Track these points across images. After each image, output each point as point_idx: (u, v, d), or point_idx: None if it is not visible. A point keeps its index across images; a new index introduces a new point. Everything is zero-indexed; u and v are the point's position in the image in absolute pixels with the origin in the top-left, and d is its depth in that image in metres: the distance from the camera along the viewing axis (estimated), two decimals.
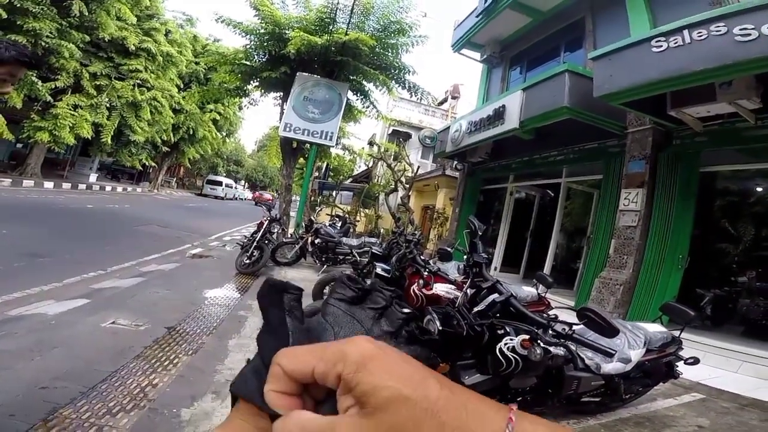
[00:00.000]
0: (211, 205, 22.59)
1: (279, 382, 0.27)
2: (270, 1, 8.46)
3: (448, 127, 9.21)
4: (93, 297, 4.03)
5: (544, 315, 2.02)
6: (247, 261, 6.22)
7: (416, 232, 4.68)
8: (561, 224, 7.61)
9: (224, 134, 31.94)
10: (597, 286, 5.44)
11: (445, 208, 11.59)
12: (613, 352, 1.80)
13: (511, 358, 1.72)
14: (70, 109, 14.57)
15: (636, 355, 2.40)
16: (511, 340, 1.73)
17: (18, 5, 11.30)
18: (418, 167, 12.17)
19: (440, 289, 2.92)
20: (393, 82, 9.28)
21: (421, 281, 2.94)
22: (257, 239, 6.33)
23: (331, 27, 8.38)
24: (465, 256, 2.40)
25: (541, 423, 0.28)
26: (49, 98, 13.47)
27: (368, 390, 0.24)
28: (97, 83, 15.59)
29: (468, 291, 2.18)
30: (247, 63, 9.25)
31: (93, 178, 20.37)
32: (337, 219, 10.46)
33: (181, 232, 9.70)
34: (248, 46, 9.08)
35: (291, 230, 9.32)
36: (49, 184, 15.04)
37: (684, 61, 3.81)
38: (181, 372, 2.70)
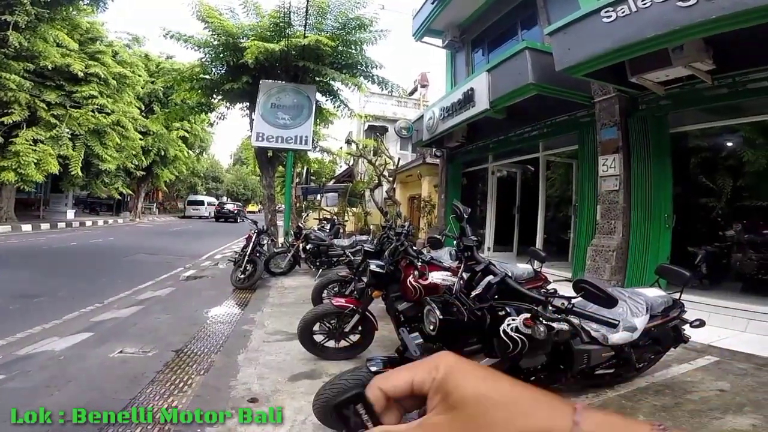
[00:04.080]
0: (196, 227, 22.25)
1: (380, 402, 0.34)
2: (218, 12, 8.28)
3: (422, 116, 9.27)
4: (95, 330, 4.02)
5: (542, 290, 2.03)
6: (242, 276, 6.22)
7: (405, 223, 4.71)
8: (546, 197, 7.78)
9: (197, 152, 31.39)
10: (590, 255, 5.55)
11: (430, 195, 11.70)
12: (616, 322, 1.76)
13: (516, 338, 1.70)
14: (30, 144, 14.05)
15: (641, 322, 2.37)
16: (513, 320, 1.71)
17: None
18: (399, 159, 12.23)
19: (436, 277, 2.91)
20: (361, 78, 9.24)
21: (416, 272, 2.94)
22: (248, 253, 6.33)
23: (287, 31, 8.23)
24: (455, 242, 2.40)
25: (604, 412, 0.32)
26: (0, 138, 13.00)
27: (452, 389, 0.31)
28: (54, 113, 15.05)
29: (463, 276, 2.17)
30: (206, 77, 9.07)
31: (71, 214, 19.83)
32: (326, 222, 10.47)
33: (170, 257, 9.58)
34: (204, 60, 8.90)
35: (281, 239, 9.31)
36: (27, 227, 14.60)
37: (633, 28, 3.92)
38: (197, 392, 2.72)
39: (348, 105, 10.23)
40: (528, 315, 1.71)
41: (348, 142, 19.10)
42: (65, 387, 2.74)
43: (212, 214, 29.72)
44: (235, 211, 29.12)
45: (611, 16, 4.09)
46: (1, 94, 12.73)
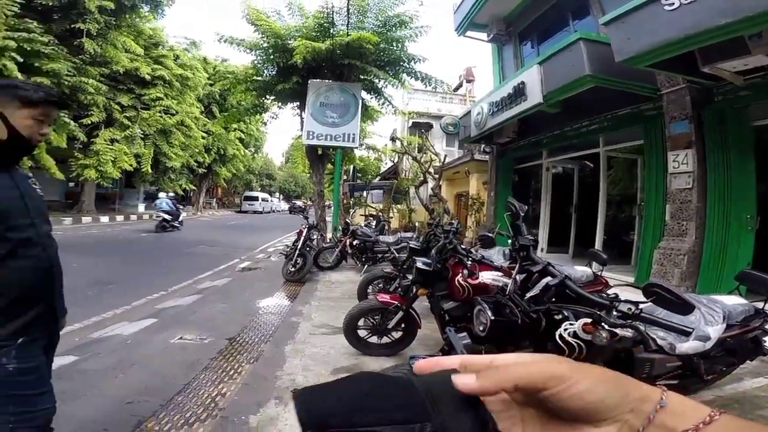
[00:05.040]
0: (251, 221, 23.46)
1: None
2: (266, 15, 8.52)
3: (469, 112, 9.05)
4: (159, 316, 4.34)
5: (604, 295, 1.91)
6: (293, 269, 6.44)
7: (453, 221, 4.61)
8: (607, 195, 7.27)
9: (252, 151, 33.08)
10: (657, 259, 5.13)
11: (479, 193, 11.39)
12: (690, 330, 1.65)
13: (573, 343, 1.63)
14: (108, 144, 15.52)
15: (715, 331, 2.18)
16: (571, 324, 1.64)
17: (29, 48, 11.79)
18: (445, 156, 12.02)
19: (487, 277, 2.82)
20: (404, 75, 9.20)
21: (465, 271, 2.86)
22: (299, 247, 6.54)
23: (331, 30, 8.36)
24: (510, 241, 2.32)
25: (687, 399, 0.33)
26: (83, 137, 14.36)
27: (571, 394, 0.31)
28: (127, 115, 16.46)
29: (517, 277, 2.09)
30: (259, 78, 9.41)
31: (141, 207, 21.74)
32: (372, 218, 10.55)
33: (227, 249, 10.18)
34: (256, 62, 9.21)
35: (329, 235, 9.53)
36: (104, 219, 16.23)
37: (701, 16, 3.54)
38: (245, 380, 2.84)
39: (392, 102, 10.24)
40: (589, 320, 1.62)
41: (392, 139, 19.12)
42: (129, 370, 2.97)
43: (265, 209, 31.42)
44: (304, 207, 31.04)
45: (673, 3, 3.72)
46: (82, 97, 14.03)
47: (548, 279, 1.86)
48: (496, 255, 3.40)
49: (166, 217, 13.66)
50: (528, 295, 1.87)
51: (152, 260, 8.18)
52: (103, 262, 7.33)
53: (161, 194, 15.11)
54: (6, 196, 1.32)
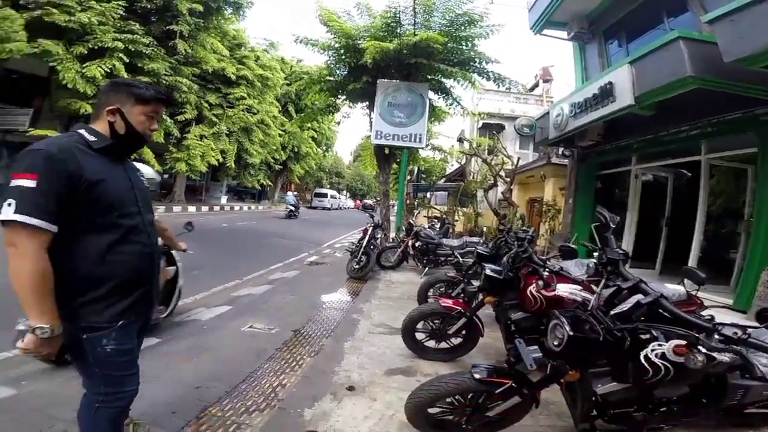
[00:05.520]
0: (320, 216, 24.50)
1: None
2: (337, 15, 8.71)
3: (548, 113, 8.48)
4: (234, 304, 4.67)
5: (702, 316, 1.76)
6: (356, 266, 6.58)
7: (528, 228, 4.39)
8: (707, 208, 6.40)
9: (323, 149, 34.53)
10: (765, 281, 4.44)
11: (555, 199, 10.67)
12: None
13: (660, 365, 1.54)
14: (197, 140, 17.00)
15: None
16: (660, 345, 1.55)
17: (132, 49, 13.13)
18: (519, 159, 11.45)
19: (563, 290, 2.66)
20: (474, 75, 8.93)
21: (540, 282, 2.71)
22: (363, 245, 6.66)
23: (398, 30, 8.36)
24: (595, 253, 2.20)
25: None
26: (176, 133, 15.74)
27: None
28: (214, 113, 17.90)
29: (602, 292, 1.98)
30: (331, 79, 9.68)
31: (224, 200, 23.81)
32: (436, 220, 10.41)
33: (297, 243, 10.72)
34: (329, 62, 9.49)
35: (392, 234, 9.59)
36: (192, 208, 18.02)
37: None
38: (305, 373, 2.93)
39: (460, 102, 10.01)
40: (682, 342, 1.52)
41: (460, 140, 18.70)
42: (202, 355, 3.18)
43: (333, 206, 32.76)
44: (373, 206, 32.44)
45: None
46: (177, 95, 15.39)
47: (639, 296, 1.75)
48: (572, 267, 3.18)
49: (292, 208, 19.63)
50: (613, 311, 1.77)
51: (231, 249, 8.90)
52: (189, 249, 8.10)
53: (289, 193, 21.88)
54: (120, 186, 1.44)
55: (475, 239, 7.53)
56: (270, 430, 2.18)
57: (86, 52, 12.14)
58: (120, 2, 12.72)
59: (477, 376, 1.80)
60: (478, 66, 8.89)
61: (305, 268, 7.53)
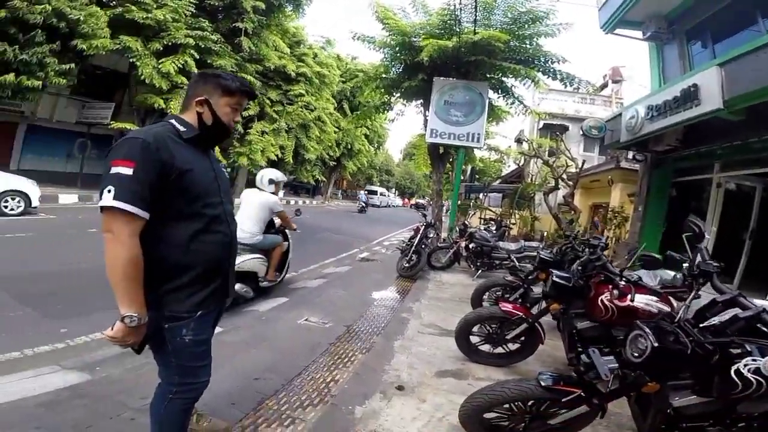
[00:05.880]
0: (370, 213, 24.83)
1: None
2: (393, 13, 8.63)
3: (619, 115, 7.89)
4: (290, 296, 4.82)
5: None
6: (407, 265, 6.55)
7: (602, 236, 4.24)
8: None
9: (375, 146, 34.87)
10: None
11: (623, 206, 9.92)
12: None
13: (752, 380, 1.52)
14: (259, 135, 17.63)
15: None
16: (754, 360, 1.51)
17: (202, 46, 13.44)
18: (584, 161, 10.76)
19: (640, 301, 2.54)
20: (539, 74, 8.55)
21: (615, 291, 2.60)
22: (415, 244, 6.62)
23: (456, 28, 8.12)
24: (685, 265, 2.14)
25: None
26: (240, 128, 16.37)
27: None
28: (275, 109, 18.46)
29: (690, 304, 1.94)
30: (387, 76, 9.65)
31: (281, 193, 24.88)
32: (492, 222, 10.11)
33: (349, 238, 10.93)
34: (384, 60, 9.46)
35: (444, 235, 9.45)
36: None
37: None
38: (356, 369, 2.94)
39: (523, 102, 9.61)
40: None
41: (519, 140, 18.04)
42: (260, 345, 3.26)
43: (382, 204, 33.38)
44: (425, 205, 32.80)
45: None
46: None
47: (737, 310, 1.69)
48: (645, 278, 3.01)
49: (363, 204, 24.70)
50: (704, 324, 1.72)
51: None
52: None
53: (361, 192, 28.61)
54: (206, 176, 1.47)
55: (534, 244, 7.22)
56: (322, 426, 2.18)
57: (161, 48, 12.95)
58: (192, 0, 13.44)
59: (544, 383, 1.79)
60: (543, 65, 8.49)
61: (356, 264, 7.64)
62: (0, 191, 7.81)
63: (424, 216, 7.34)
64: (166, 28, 12.96)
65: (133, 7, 12.37)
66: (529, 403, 1.91)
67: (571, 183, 10.50)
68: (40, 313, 3.40)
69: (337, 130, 23.94)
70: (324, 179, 28.42)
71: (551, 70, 8.50)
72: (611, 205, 10.39)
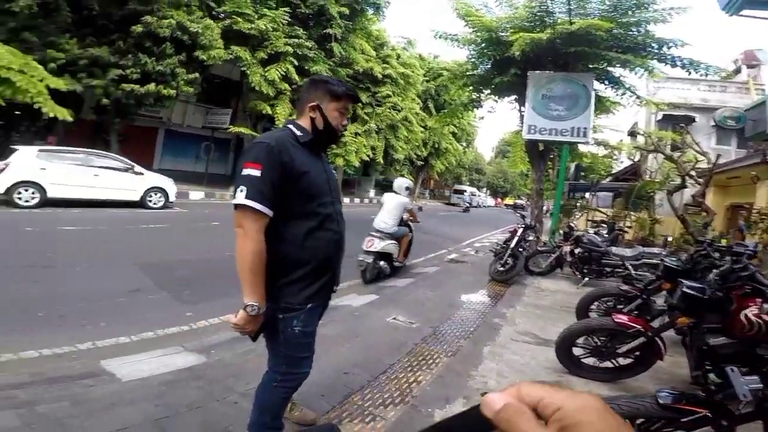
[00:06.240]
0: (459, 213, 24.29)
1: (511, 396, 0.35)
2: (474, 9, 8.33)
3: (763, 103, 6.50)
4: (380, 293, 4.90)
5: None
6: (501, 268, 6.19)
7: (751, 243, 3.62)
8: None
9: (464, 145, 33.99)
10: None
11: None
12: None
13: None
14: (352, 137, 18.48)
15: None
16: None
17: (299, 53, 14.42)
18: (718, 156, 9.06)
19: None
20: (654, 61, 7.59)
21: (765, 305, 2.28)
22: (511, 247, 6.22)
23: (547, 19, 7.64)
24: None
25: None
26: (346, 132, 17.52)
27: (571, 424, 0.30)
28: (365, 111, 19.18)
29: None
30: (475, 73, 9.37)
31: (372, 193, 25.79)
32: (604, 225, 9.09)
33: (437, 239, 10.80)
34: (470, 57, 9.17)
35: (545, 238, 8.77)
36: (346, 200, 20.07)
37: None
38: (440, 372, 2.87)
39: (636, 92, 8.57)
40: None
41: (633, 134, 15.99)
42: (352, 340, 3.34)
43: (472, 203, 32.80)
44: (524, 205, 31.78)
45: None
46: None
47: None
48: None
49: (467, 204, 27.70)
50: None
51: None
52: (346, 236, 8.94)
53: (465, 193, 32.68)
54: (320, 177, 1.58)
55: (655, 250, 6.28)
56: (400, 426, 2.17)
57: (266, 57, 14.25)
58: (286, 9, 14.55)
59: (662, 401, 1.67)
60: (658, 51, 7.43)
61: (445, 264, 7.48)
62: (146, 188, 9.46)
63: (523, 217, 6.86)
64: (268, 37, 14.24)
65: (239, 19, 13.83)
66: (638, 421, 1.77)
67: (701, 180, 8.93)
68: (173, 297, 3.97)
69: (423, 129, 23.94)
70: (412, 179, 28.66)
71: (669, 56, 7.53)
72: (756, 206, 8.59)
